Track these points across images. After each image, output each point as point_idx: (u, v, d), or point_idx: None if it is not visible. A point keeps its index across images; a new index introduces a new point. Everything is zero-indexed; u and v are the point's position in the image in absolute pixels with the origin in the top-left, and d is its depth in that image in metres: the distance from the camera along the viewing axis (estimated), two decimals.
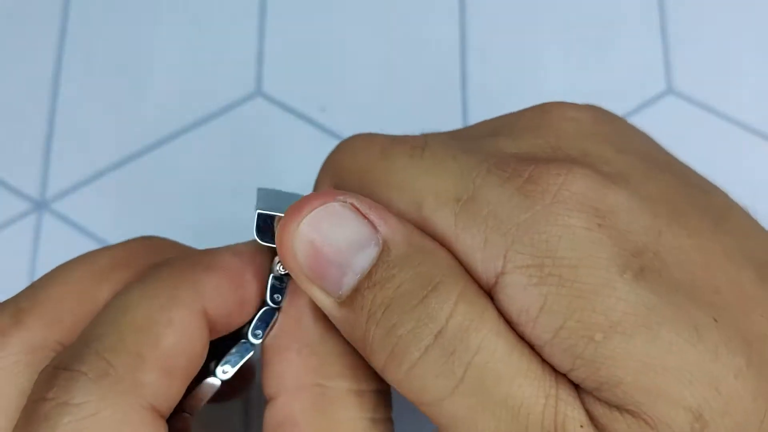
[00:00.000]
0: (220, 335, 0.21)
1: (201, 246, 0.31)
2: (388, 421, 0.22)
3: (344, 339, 0.20)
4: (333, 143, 0.34)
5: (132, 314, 0.19)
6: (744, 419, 0.18)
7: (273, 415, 0.20)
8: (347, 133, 0.34)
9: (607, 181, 0.19)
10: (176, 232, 0.30)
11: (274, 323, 0.21)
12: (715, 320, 0.18)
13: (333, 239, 0.19)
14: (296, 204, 0.19)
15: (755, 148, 0.35)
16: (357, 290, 0.19)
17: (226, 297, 0.21)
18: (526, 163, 0.20)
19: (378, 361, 0.19)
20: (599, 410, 0.18)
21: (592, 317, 0.18)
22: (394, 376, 0.18)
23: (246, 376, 0.26)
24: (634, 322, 0.18)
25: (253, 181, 0.34)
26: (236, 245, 0.22)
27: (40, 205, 0.34)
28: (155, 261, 0.22)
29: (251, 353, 0.21)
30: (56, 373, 0.18)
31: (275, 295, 0.21)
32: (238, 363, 0.21)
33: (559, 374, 0.18)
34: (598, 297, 0.18)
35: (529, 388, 0.18)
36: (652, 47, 0.36)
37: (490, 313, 0.18)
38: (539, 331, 0.18)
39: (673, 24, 0.37)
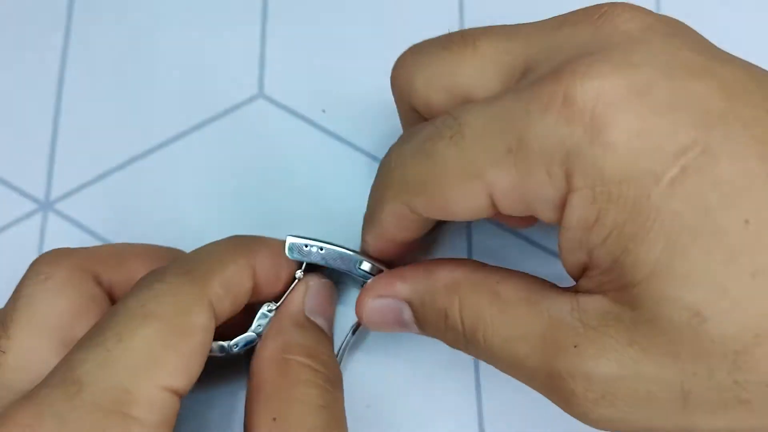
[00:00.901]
0: (257, 300, 0.28)
1: None
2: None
3: None
4: (334, 144, 0.35)
5: (206, 250, 0.28)
6: (756, 311, 0.20)
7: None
8: (348, 134, 0.35)
9: (645, 80, 0.21)
10: (179, 233, 0.31)
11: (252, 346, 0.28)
12: (747, 222, 0.20)
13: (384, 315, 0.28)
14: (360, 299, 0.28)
15: None
16: (420, 328, 0.28)
17: (269, 266, 0.28)
18: (561, 79, 0.21)
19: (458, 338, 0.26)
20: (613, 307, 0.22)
21: (628, 228, 0.21)
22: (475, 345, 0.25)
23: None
24: (659, 231, 0.20)
25: (255, 182, 0.34)
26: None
27: (45, 206, 0.34)
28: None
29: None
30: (149, 275, 0.26)
31: (258, 325, 0.29)
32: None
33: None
34: (636, 208, 0.21)
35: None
36: None
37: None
38: (593, 238, 0.22)
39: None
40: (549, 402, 0.30)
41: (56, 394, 0.22)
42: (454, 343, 0.26)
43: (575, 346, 0.22)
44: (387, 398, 0.30)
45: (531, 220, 0.30)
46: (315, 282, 0.30)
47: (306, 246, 0.29)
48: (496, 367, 0.25)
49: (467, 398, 0.30)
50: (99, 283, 0.27)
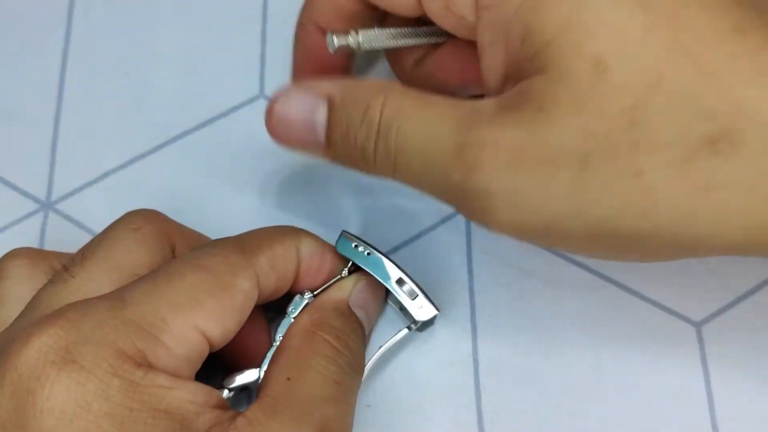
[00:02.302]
0: (295, 290, 0.29)
1: None
2: None
3: None
4: None
5: (257, 231, 0.29)
6: (651, 63, 0.22)
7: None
8: None
9: None
10: None
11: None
12: None
13: (294, 115, 0.27)
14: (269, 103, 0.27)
15: None
16: (328, 137, 0.27)
17: (313, 254, 0.29)
18: None
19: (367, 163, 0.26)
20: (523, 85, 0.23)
21: None
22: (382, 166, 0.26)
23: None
24: None
25: (255, 183, 0.34)
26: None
27: (46, 206, 0.34)
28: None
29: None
30: (205, 244, 0.28)
31: (292, 309, 0.29)
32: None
33: None
34: None
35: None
36: None
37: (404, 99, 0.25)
38: (505, 10, 0.24)
39: None
40: (549, 402, 0.30)
41: (103, 304, 0.24)
42: (361, 146, 0.26)
43: (490, 120, 0.24)
44: (387, 398, 0.30)
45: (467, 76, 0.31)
46: (367, 278, 0.30)
47: (355, 245, 0.30)
48: (407, 170, 0.25)
49: (467, 398, 0.30)
50: (172, 249, 0.29)
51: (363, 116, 0.26)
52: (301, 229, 0.30)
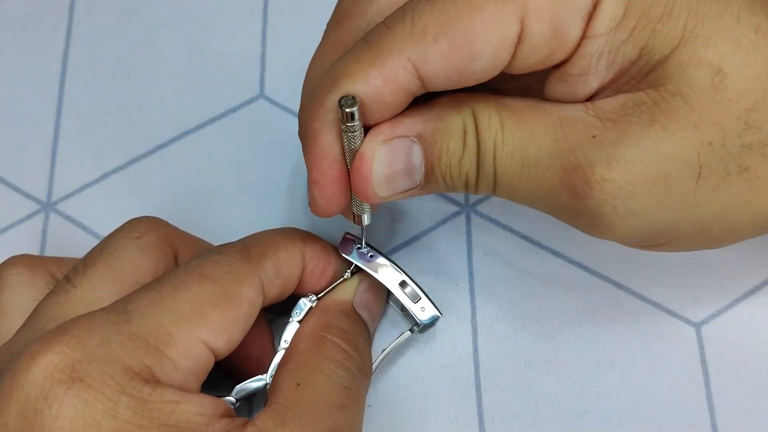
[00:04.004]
0: (299, 293, 0.29)
1: None
2: None
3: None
4: None
5: (262, 236, 0.29)
6: (762, 66, 0.23)
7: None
8: None
9: None
10: None
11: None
12: None
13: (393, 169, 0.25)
14: (360, 152, 0.25)
15: None
16: (427, 176, 0.25)
17: (317, 258, 0.29)
18: None
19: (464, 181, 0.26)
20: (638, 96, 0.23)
21: (654, 11, 0.23)
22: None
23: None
24: (682, 6, 0.23)
25: (255, 183, 0.34)
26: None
27: (47, 206, 0.34)
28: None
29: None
30: (209, 250, 0.28)
31: (296, 312, 0.29)
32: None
33: None
34: None
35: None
36: None
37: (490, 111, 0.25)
38: (620, 35, 0.23)
39: None
40: (549, 402, 0.30)
41: (108, 317, 0.24)
42: (465, 174, 0.25)
43: (594, 136, 0.23)
44: (388, 398, 0.30)
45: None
46: (369, 280, 0.30)
47: (358, 247, 0.30)
48: (509, 189, 0.25)
49: (468, 398, 0.30)
50: (176, 257, 0.29)
51: (463, 144, 0.25)
52: (306, 233, 0.30)
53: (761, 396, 0.30)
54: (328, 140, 0.25)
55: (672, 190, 0.23)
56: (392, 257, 0.31)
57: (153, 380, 0.23)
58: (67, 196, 0.34)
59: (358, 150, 0.25)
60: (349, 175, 0.25)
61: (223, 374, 0.28)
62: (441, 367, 0.31)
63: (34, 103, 0.36)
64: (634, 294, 0.32)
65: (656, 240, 0.25)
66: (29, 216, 0.34)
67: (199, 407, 0.23)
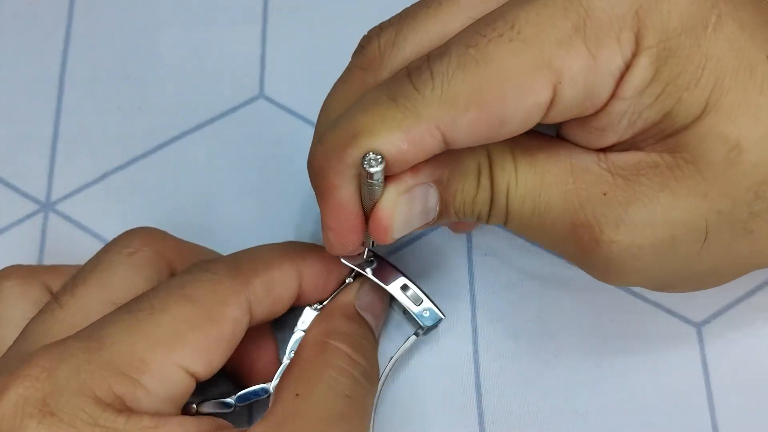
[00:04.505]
0: (301, 304, 0.28)
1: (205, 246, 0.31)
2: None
3: None
4: None
5: (256, 251, 0.28)
6: None
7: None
8: None
9: None
10: (180, 233, 0.31)
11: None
12: (767, 57, 0.23)
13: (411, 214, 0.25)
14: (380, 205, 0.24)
15: None
16: (440, 214, 0.26)
17: (317, 274, 0.28)
18: None
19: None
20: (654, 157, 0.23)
21: (682, 79, 0.22)
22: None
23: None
24: (709, 76, 0.22)
25: (255, 183, 0.34)
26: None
27: (46, 206, 0.34)
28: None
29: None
30: (196, 264, 0.27)
31: (302, 321, 0.28)
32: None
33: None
34: (689, 58, 0.22)
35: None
36: None
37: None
38: (645, 99, 0.23)
39: None
40: (550, 403, 0.30)
41: (79, 346, 0.23)
42: (478, 212, 0.26)
43: (604, 194, 0.23)
44: (387, 398, 0.30)
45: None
46: (369, 282, 0.30)
47: (359, 253, 0.29)
48: (519, 228, 0.25)
49: (468, 399, 0.30)
50: (171, 272, 0.28)
51: (477, 183, 0.25)
52: (307, 248, 0.29)
53: (762, 396, 0.30)
54: (346, 194, 0.24)
55: (676, 252, 0.24)
56: (392, 258, 0.31)
57: (126, 410, 0.23)
58: (66, 197, 0.34)
59: (378, 201, 0.24)
60: (365, 219, 0.25)
61: (231, 388, 0.28)
62: (441, 368, 0.31)
63: (34, 102, 0.36)
64: (635, 294, 0.31)
65: (657, 288, 0.27)
66: (28, 216, 0.34)
67: (180, 427, 0.23)
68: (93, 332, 0.24)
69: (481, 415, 0.30)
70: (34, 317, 0.26)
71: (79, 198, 0.34)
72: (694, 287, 0.27)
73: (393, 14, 0.36)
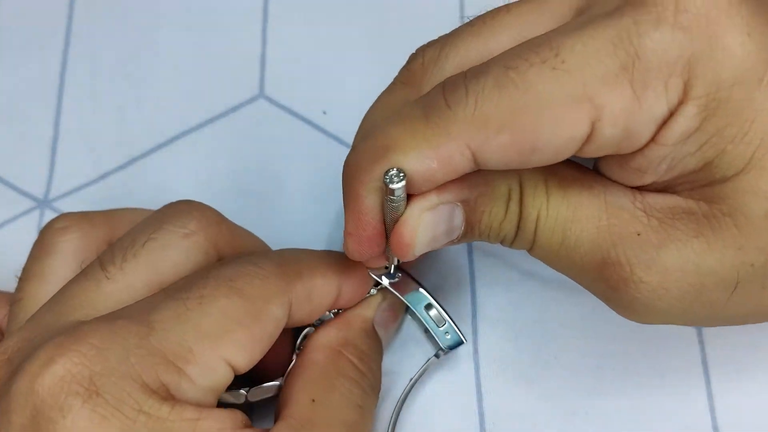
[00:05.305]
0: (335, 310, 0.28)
1: None
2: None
3: None
4: (334, 145, 0.35)
5: (306, 254, 0.28)
6: None
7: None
8: (348, 135, 0.34)
9: None
10: None
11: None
12: None
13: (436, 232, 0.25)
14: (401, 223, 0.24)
15: None
16: (465, 234, 0.25)
17: (353, 291, 0.28)
18: None
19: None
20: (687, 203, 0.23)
21: (728, 131, 0.22)
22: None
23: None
24: (756, 131, 0.22)
25: (255, 183, 0.34)
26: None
27: (43, 203, 0.34)
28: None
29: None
30: (247, 256, 0.27)
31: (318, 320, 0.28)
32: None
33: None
34: (738, 111, 0.22)
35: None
36: None
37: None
38: (687, 148, 0.22)
39: None
40: (550, 403, 0.30)
41: (129, 328, 0.23)
42: (504, 235, 0.25)
43: (638, 234, 0.23)
44: (387, 398, 0.30)
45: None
46: (391, 298, 0.30)
47: (386, 267, 0.29)
48: (544, 257, 0.25)
49: (469, 400, 0.30)
50: (219, 257, 0.28)
51: (506, 209, 0.25)
52: (346, 263, 0.28)
53: (762, 396, 0.30)
54: (370, 205, 0.24)
55: (704, 298, 0.24)
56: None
57: (170, 398, 0.23)
58: (64, 195, 0.34)
59: (400, 216, 0.24)
60: (386, 233, 0.25)
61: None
62: (441, 368, 0.31)
63: (34, 101, 0.36)
64: None
65: (677, 324, 0.27)
66: (24, 213, 0.34)
67: (219, 422, 0.23)
68: (143, 315, 0.24)
69: (481, 416, 0.30)
70: (76, 278, 0.26)
71: (77, 196, 0.34)
72: (717, 325, 0.27)
73: (395, 14, 0.37)
